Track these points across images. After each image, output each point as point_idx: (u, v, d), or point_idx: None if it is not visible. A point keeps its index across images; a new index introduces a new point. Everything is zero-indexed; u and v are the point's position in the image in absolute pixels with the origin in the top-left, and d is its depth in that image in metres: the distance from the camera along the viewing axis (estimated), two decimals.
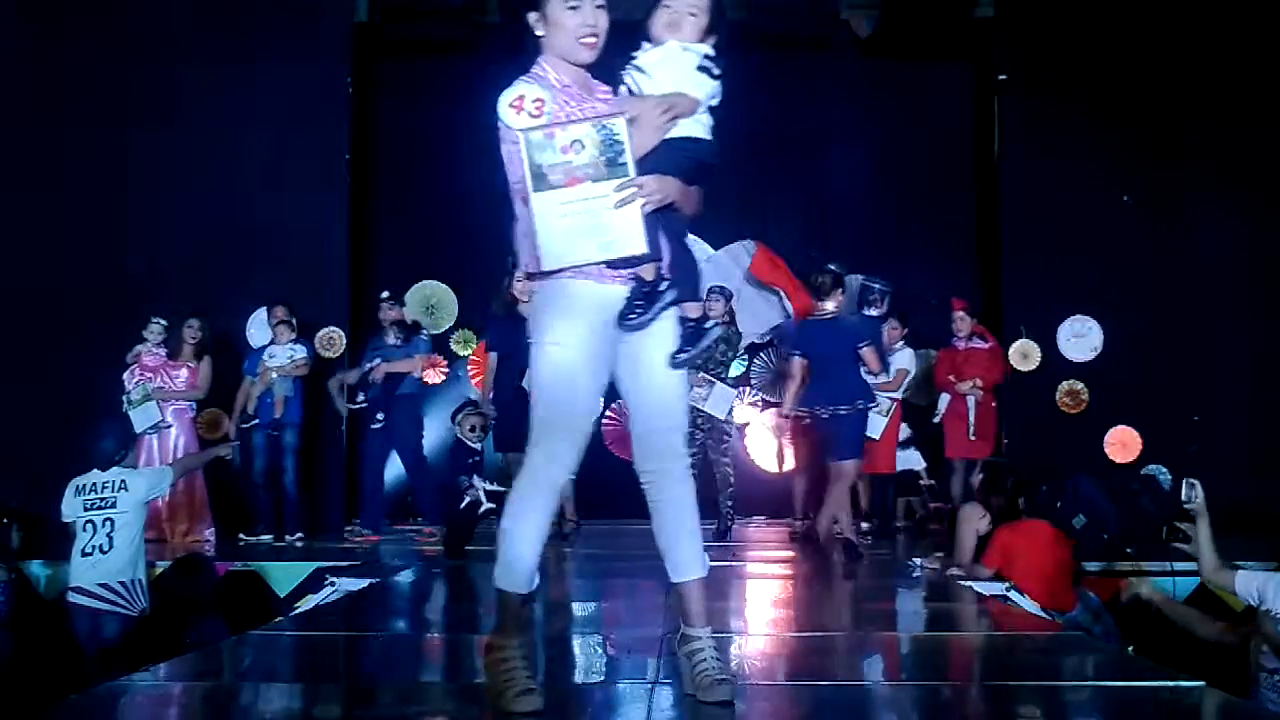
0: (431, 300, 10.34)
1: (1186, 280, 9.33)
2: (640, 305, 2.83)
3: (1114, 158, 9.46)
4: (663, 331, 2.91)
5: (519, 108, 2.85)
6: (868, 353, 6.70)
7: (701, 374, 7.86)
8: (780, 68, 10.35)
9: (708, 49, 2.93)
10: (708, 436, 7.95)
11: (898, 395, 8.24)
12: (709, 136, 2.92)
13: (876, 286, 7.82)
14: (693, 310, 2.95)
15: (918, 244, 9.81)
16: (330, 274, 9.33)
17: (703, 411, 7.82)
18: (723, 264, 9.75)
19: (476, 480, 6.68)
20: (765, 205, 10.49)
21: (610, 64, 3.01)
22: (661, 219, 2.87)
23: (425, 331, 8.94)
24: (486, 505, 6.66)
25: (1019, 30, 9.79)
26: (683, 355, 2.90)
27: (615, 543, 7.88)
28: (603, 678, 3.61)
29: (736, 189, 9.79)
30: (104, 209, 9.00)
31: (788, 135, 10.40)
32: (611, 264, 2.80)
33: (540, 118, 2.83)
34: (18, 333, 8.66)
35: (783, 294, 9.44)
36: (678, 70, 2.89)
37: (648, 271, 2.83)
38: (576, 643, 4.31)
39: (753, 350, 10.39)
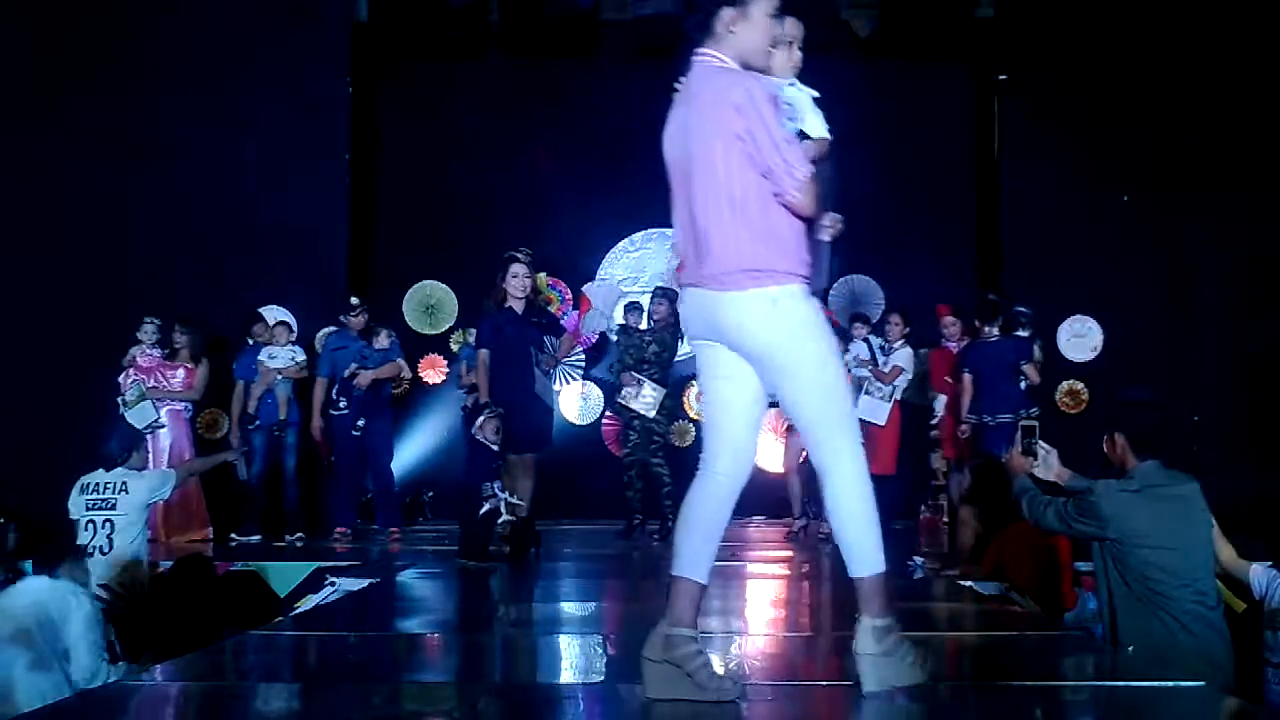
0: (431, 300, 10.34)
1: (1186, 280, 9.34)
2: None
3: (1114, 158, 9.46)
4: None
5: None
6: (1029, 369, 7.76)
7: (632, 373, 7.82)
8: None
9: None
10: (639, 435, 7.88)
11: (894, 391, 8.24)
12: None
13: (1023, 310, 8.22)
14: None
15: (918, 244, 9.80)
16: (330, 274, 9.33)
17: (634, 410, 7.79)
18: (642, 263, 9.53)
19: (498, 488, 6.52)
20: None
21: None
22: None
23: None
24: (506, 518, 6.51)
25: (1019, 30, 9.79)
26: None
27: (615, 542, 7.89)
28: (602, 678, 3.61)
29: None
30: (104, 209, 9.00)
31: None
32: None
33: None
34: (17, 333, 8.66)
35: None
36: (811, 113, 2.98)
37: None
38: (577, 643, 4.31)
39: None
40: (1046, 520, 4.59)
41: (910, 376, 8.50)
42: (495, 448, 6.65)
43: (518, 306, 6.74)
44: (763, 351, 2.87)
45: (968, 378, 7.77)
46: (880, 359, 8.39)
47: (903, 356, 8.32)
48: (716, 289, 2.86)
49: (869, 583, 2.90)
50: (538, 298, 7.01)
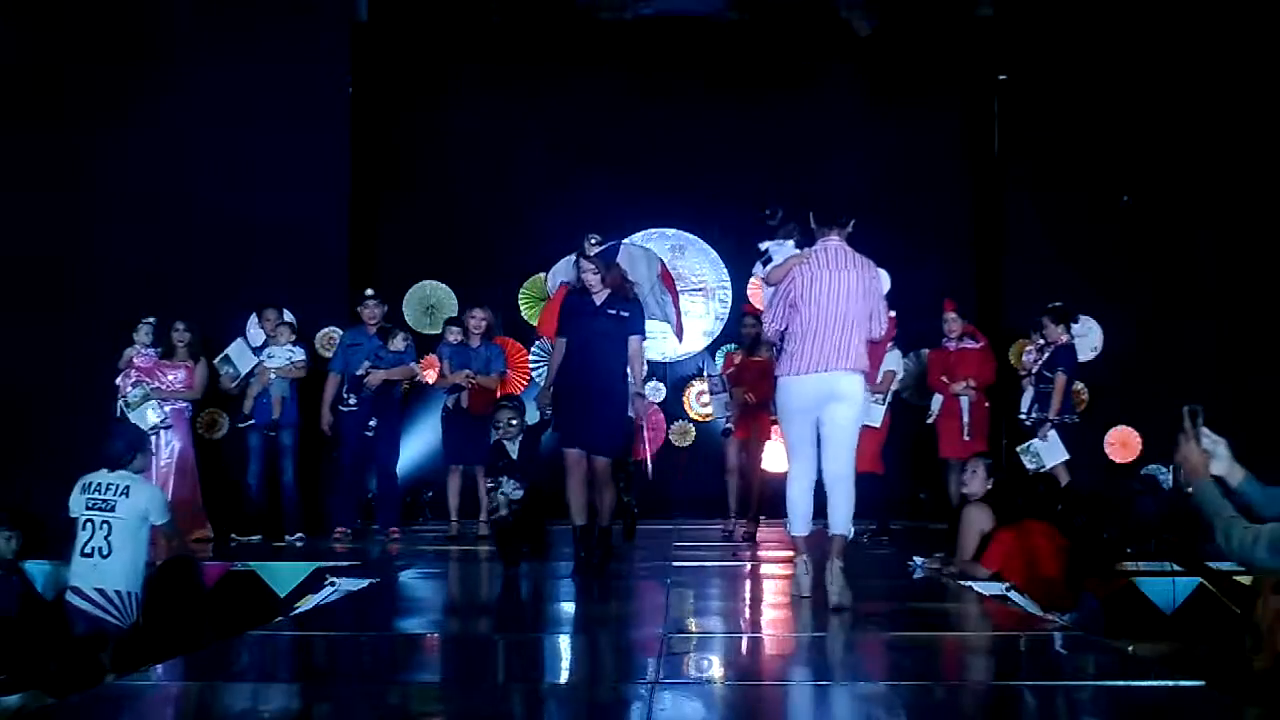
0: (431, 300, 10.34)
1: (1185, 280, 9.33)
2: None
3: (1114, 158, 9.46)
4: None
5: None
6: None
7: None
8: (780, 68, 10.36)
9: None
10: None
11: (888, 395, 8.23)
12: None
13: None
14: None
15: (918, 244, 9.79)
16: (329, 274, 9.33)
17: None
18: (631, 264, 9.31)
19: (504, 485, 6.38)
20: (765, 205, 10.46)
21: None
22: None
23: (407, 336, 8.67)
24: (501, 514, 6.40)
25: (1019, 30, 9.79)
26: None
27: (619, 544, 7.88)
28: (603, 678, 3.61)
29: (736, 189, 9.79)
30: (104, 209, 8.99)
31: (787, 135, 10.40)
32: None
33: None
34: (17, 333, 8.66)
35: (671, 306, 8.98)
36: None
37: None
38: (577, 643, 4.31)
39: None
40: (1258, 557, 3.43)
41: (902, 376, 8.52)
42: (506, 440, 6.56)
43: (597, 297, 6.24)
44: (855, 405, 5.02)
45: (1062, 378, 7.84)
46: None
47: (892, 359, 8.29)
48: (851, 371, 4.98)
49: (847, 540, 4.93)
50: (630, 287, 6.48)
